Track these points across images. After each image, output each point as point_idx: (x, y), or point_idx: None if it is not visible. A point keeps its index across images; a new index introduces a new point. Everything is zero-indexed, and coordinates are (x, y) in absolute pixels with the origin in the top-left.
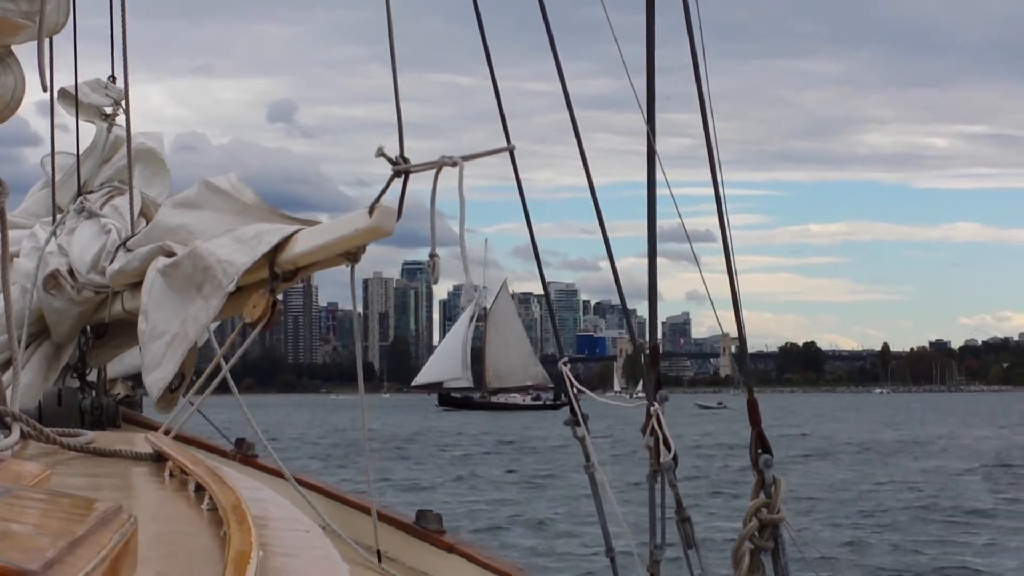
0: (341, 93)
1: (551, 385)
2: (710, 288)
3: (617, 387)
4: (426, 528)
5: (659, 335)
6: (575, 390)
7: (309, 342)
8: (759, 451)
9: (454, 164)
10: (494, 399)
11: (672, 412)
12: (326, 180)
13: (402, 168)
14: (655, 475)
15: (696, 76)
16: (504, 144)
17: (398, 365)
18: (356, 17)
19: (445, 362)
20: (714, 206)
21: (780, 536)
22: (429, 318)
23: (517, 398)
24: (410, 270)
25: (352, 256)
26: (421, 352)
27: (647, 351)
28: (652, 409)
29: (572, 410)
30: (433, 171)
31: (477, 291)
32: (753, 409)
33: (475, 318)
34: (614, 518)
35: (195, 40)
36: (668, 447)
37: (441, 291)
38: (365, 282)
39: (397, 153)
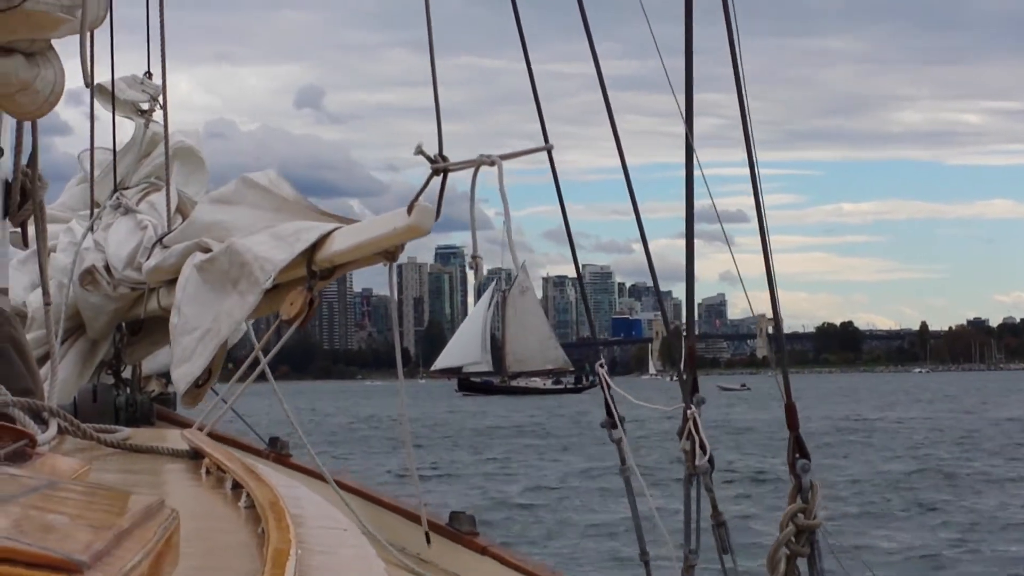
0: (368, 78)
1: (571, 368)
2: (744, 267)
3: (652, 370)
4: (459, 530)
5: (695, 317)
6: (611, 392)
7: (344, 328)
8: (796, 455)
9: (492, 164)
10: (514, 383)
11: (661, 396)
12: (356, 166)
13: (441, 166)
14: (691, 479)
15: (732, 57)
16: (542, 142)
17: (433, 350)
18: (380, 2)
19: (464, 346)
20: (745, 186)
21: (816, 542)
22: (464, 302)
23: (537, 382)
24: (444, 255)
25: (390, 255)
26: None
27: (684, 351)
28: (688, 412)
29: (608, 412)
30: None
31: (499, 275)
32: (791, 413)
33: (494, 301)
34: (649, 520)
35: (216, 27)
36: (704, 451)
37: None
38: (400, 267)
39: (436, 151)
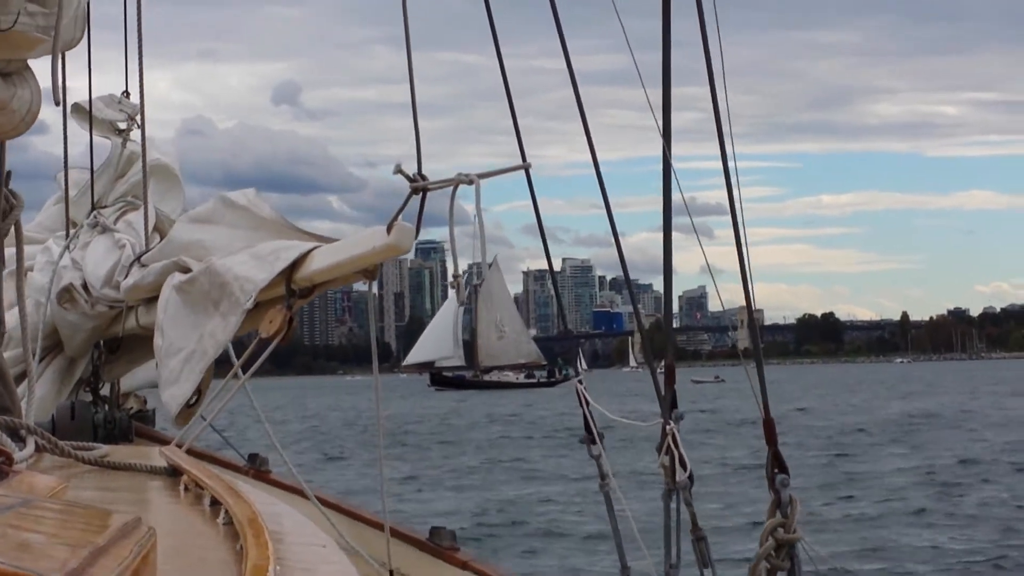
0: (347, 75)
1: (544, 362)
2: (724, 260)
3: (633, 363)
4: (439, 545)
5: (675, 309)
6: (590, 408)
7: (325, 324)
8: (775, 470)
9: (470, 182)
10: (487, 378)
11: (641, 388)
12: (335, 162)
13: (420, 186)
14: (670, 494)
15: (705, 50)
16: (525, 157)
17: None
18: None
19: (436, 341)
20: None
21: (796, 556)
22: (444, 297)
23: (510, 376)
24: (424, 250)
25: (369, 273)
26: None
27: (664, 365)
28: (668, 428)
29: (587, 428)
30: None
31: (471, 271)
32: (770, 428)
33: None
34: (628, 535)
35: (200, 24)
36: (684, 466)
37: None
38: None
39: (415, 171)
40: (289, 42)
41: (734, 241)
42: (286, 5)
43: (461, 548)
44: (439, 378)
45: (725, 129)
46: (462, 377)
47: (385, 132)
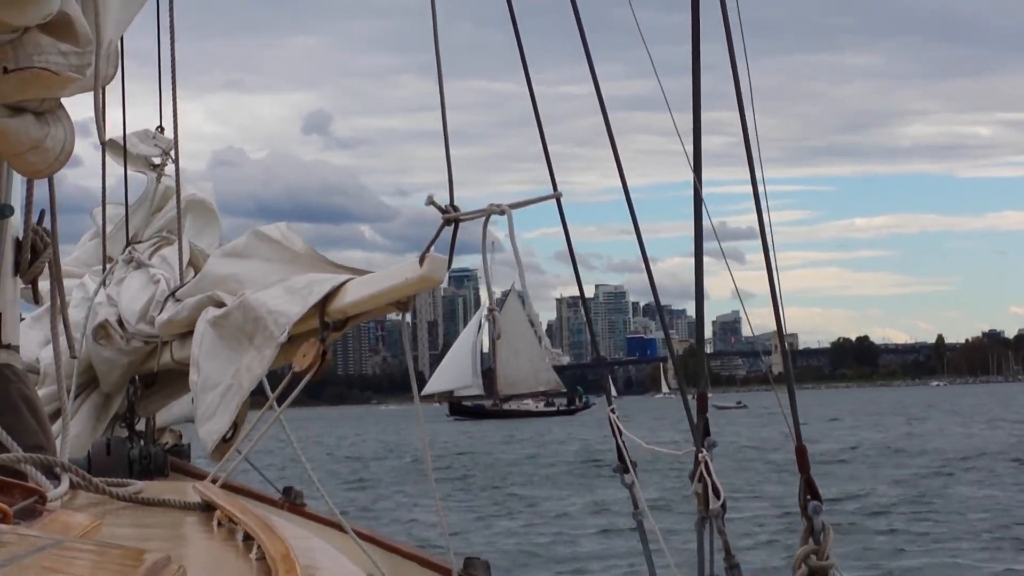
0: (377, 104)
1: (564, 390)
2: (756, 284)
3: (666, 388)
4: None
5: (708, 334)
6: (623, 437)
7: (359, 353)
8: (808, 497)
9: (502, 212)
10: (506, 406)
11: (672, 413)
12: (366, 191)
13: (452, 216)
14: (703, 522)
15: (734, 73)
16: (556, 186)
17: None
18: (387, 27)
19: (455, 370)
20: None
21: None
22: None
23: (530, 404)
24: (457, 278)
25: (402, 305)
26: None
27: (696, 394)
28: (700, 456)
29: (620, 457)
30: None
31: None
32: (802, 455)
33: (483, 325)
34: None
35: (225, 55)
36: (717, 494)
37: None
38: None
39: (447, 202)
40: (317, 72)
41: (764, 266)
42: (311, 35)
43: None
44: (458, 407)
45: (755, 153)
46: (481, 406)
47: (416, 161)
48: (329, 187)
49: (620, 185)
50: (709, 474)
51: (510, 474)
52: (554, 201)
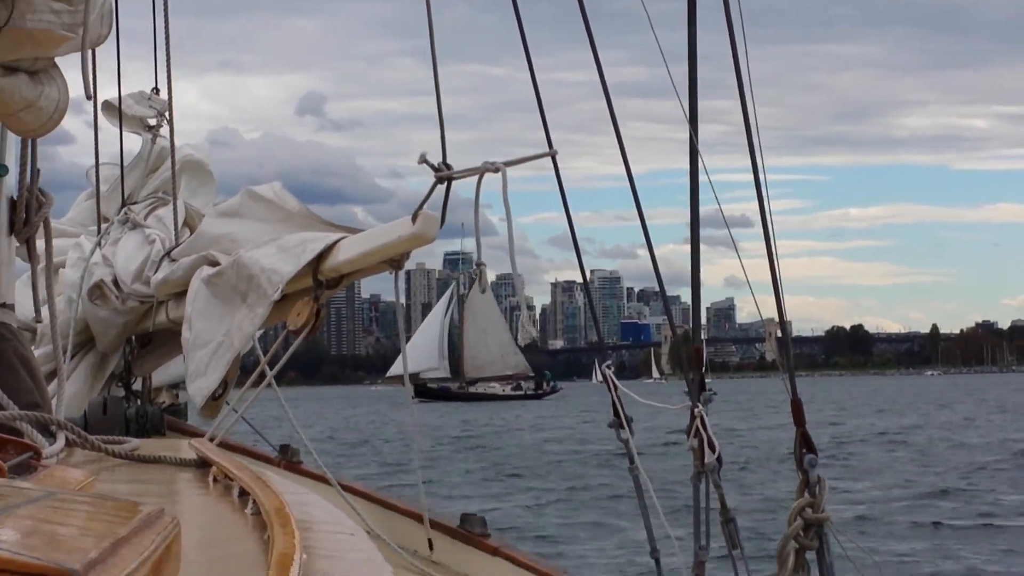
0: (372, 86)
1: (531, 374)
2: (749, 273)
3: (656, 374)
4: (470, 531)
5: (703, 320)
6: (618, 392)
7: (352, 334)
8: (803, 451)
9: (496, 170)
10: (472, 389)
11: (662, 399)
12: (360, 172)
13: (445, 175)
14: (699, 476)
15: (735, 60)
16: (546, 149)
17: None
18: (384, 11)
19: (421, 352)
20: (751, 192)
21: (825, 535)
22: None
23: (497, 388)
24: (452, 260)
25: (396, 263)
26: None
27: (691, 349)
28: (696, 411)
29: (616, 412)
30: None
31: (457, 280)
32: (797, 409)
33: (451, 307)
34: (657, 519)
35: (221, 36)
36: (712, 449)
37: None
38: (408, 274)
39: (439, 160)
40: (312, 54)
41: (760, 253)
42: (307, 17)
43: (492, 534)
44: (423, 390)
45: (755, 142)
46: (447, 389)
47: (411, 144)
48: (323, 168)
49: (614, 172)
50: (705, 428)
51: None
52: (549, 191)
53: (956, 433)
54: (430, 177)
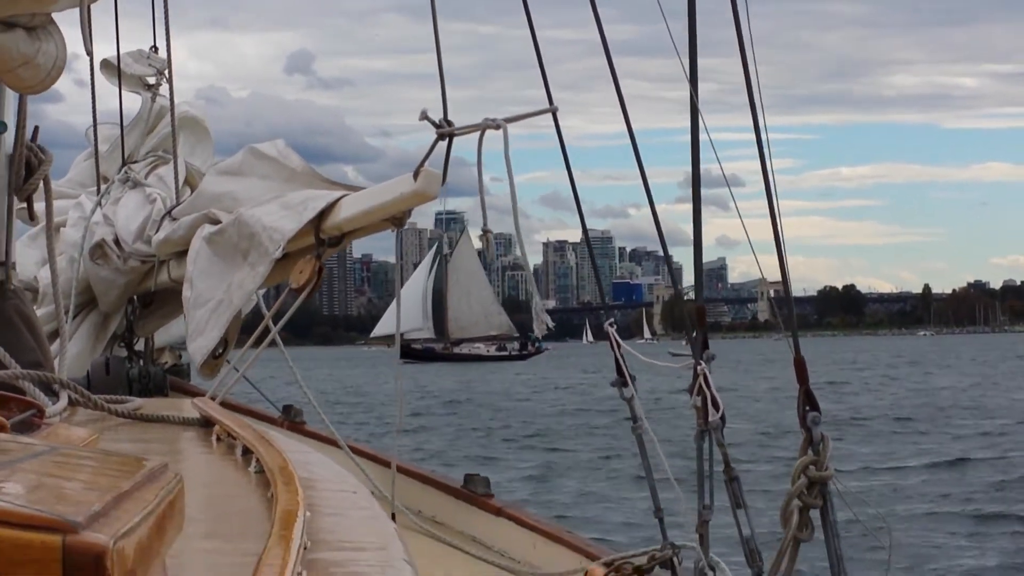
0: (360, 45)
1: (516, 334)
2: (742, 232)
3: (648, 334)
4: (474, 492)
5: (694, 280)
6: (621, 350)
7: (344, 294)
8: (807, 408)
9: (498, 127)
10: (457, 350)
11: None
12: (350, 131)
13: (446, 131)
14: (702, 435)
15: (735, 19)
16: (544, 107)
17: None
18: None
19: (405, 313)
20: (742, 151)
21: (829, 493)
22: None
23: (481, 348)
24: (445, 220)
25: (397, 221)
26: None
27: (691, 305)
28: (699, 368)
29: (619, 370)
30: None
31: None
32: (800, 367)
33: (435, 265)
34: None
35: None
36: (716, 407)
37: (476, 241)
38: (399, 233)
39: (440, 116)
40: (301, 11)
41: (752, 212)
42: None
43: (495, 495)
44: (408, 351)
45: (755, 99)
46: (432, 350)
47: (400, 102)
48: (312, 127)
49: (603, 131)
50: (708, 386)
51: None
52: (540, 149)
53: None
54: (421, 135)
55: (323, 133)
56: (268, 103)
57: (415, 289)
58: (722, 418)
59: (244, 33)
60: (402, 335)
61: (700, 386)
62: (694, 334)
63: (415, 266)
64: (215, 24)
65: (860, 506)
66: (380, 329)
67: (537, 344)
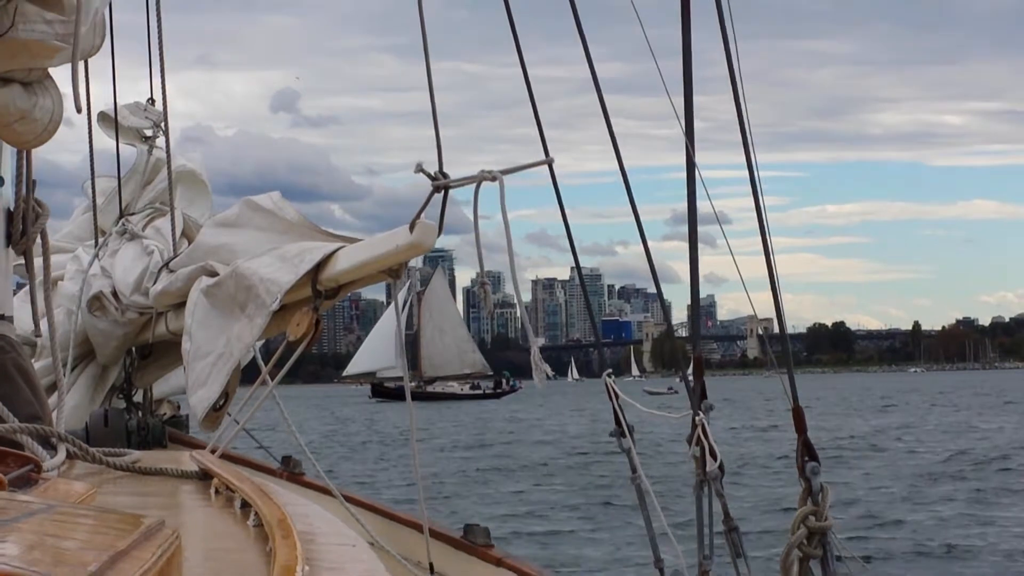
0: (346, 83)
1: (490, 373)
2: (730, 269)
3: (635, 371)
4: (474, 542)
5: (684, 319)
6: (619, 401)
7: (333, 332)
8: (805, 458)
9: (494, 179)
10: (430, 389)
11: (649, 400)
12: (336, 170)
13: (442, 183)
14: (702, 485)
15: (728, 57)
16: (543, 157)
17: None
18: (358, 6)
19: (377, 350)
20: (729, 188)
21: (828, 544)
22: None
23: (455, 387)
24: (433, 258)
25: (394, 272)
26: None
27: (686, 351)
28: (697, 419)
29: (617, 421)
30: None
31: (413, 278)
32: (799, 417)
33: (408, 303)
34: (660, 529)
35: (196, 31)
36: (715, 457)
37: (464, 279)
38: (394, 283)
39: (435, 168)
40: (287, 50)
41: (739, 250)
42: (283, 14)
43: (495, 545)
44: (381, 390)
45: (748, 139)
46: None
47: (387, 141)
48: (299, 165)
49: (590, 169)
50: (706, 436)
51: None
52: (527, 188)
53: None
54: (408, 174)
55: (309, 171)
56: (254, 141)
57: (387, 327)
58: (720, 468)
59: (230, 71)
60: (374, 374)
61: (698, 436)
62: (691, 382)
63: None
64: (201, 62)
65: (858, 557)
66: (354, 367)
67: (512, 383)
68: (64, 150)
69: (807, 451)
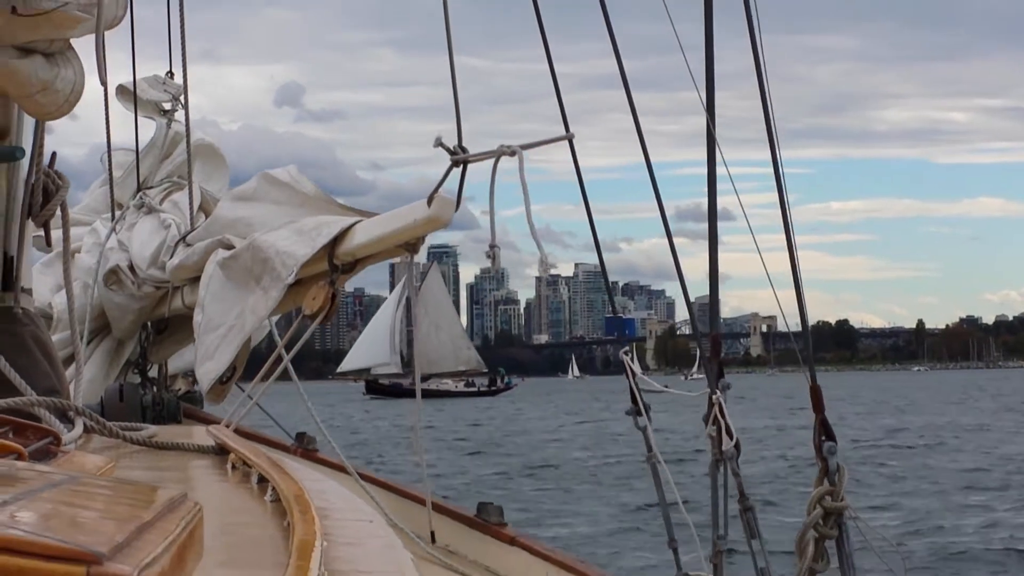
0: (350, 78)
1: (485, 370)
2: (732, 267)
3: (638, 368)
4: (487, 520)
5: (688, 316)
6: (635, 379)
7: (336, 328)
8: (823, 438)
9: (513, 154)
10: (425, 386)
11: (609, 397)
12: (342, 165)
13: (460, 158)
14: (717, 464)
15: (754, 49)
16: (563, 132)
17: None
18: (366, 1)
19: (372, 347)
20: (736, 185)
21: (844, 524)
22: (456, 302)
23: (449, 384)
24: (436, 254)
25: (411, 247)
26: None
27: (703, 336)
28: (714, 398)
29: (633, 399)
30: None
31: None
32: (816, 395)
33: (403, 300)
34: (674, 508)
35: (203, 26)
36: (731, 436)
37: (468, 275)
38: (392, 266)
39: (455, 143)
40: (289, 44)
41: (743, 247)
42: (285, 8)
43: (508, 524)
44: (374, 386)
45: (774, 134)
46: (399, 385)
47: (391, 136)
48: (303, 160)
49: (596, 164)
50: (723, 415)
51: None
52: (531, 183)
53: None
54: (413, 168)
55: (314, 166)
56: (259, 136)
57: (382, 323)
58: (736, 447)
59: (234, 65)
60: (368, 370)
61: (715, 415)
62: (709, 362)
63: (406, 300)
64: (206, 56)
65: (875, 537)
66: (348, 363)
67: (507, 380)
68: (69, 143)
69: (824, 430)
